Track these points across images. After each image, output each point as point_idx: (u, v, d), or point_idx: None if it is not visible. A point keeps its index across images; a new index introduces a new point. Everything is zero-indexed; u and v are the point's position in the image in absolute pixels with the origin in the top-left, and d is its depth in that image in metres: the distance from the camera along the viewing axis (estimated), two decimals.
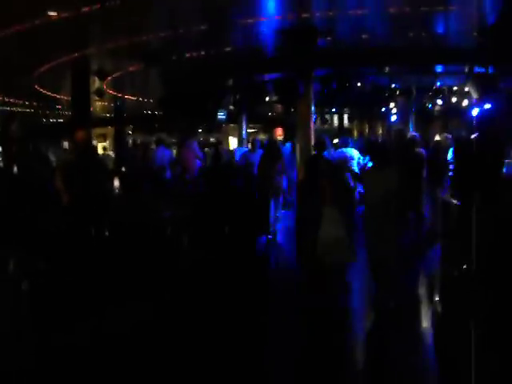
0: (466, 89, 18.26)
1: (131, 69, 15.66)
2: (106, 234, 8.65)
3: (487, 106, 14.87)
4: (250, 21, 10.42)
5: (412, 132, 13.73)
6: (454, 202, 8.29)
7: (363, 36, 12.19)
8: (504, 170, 10.33)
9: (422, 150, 12.51)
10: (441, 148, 11.47)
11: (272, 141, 13.68)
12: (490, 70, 14.47)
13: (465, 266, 7.06)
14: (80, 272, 7.77)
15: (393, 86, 19.07)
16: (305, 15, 10.00)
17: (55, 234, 8.62)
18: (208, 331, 6.53)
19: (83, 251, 8.19)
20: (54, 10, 8.88)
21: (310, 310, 7.25)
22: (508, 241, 7.35)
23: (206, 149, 20.06)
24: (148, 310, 7.02)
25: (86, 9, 8.55)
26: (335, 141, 18.96)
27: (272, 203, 11.48)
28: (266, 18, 10.43)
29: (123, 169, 18.82)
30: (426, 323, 7.35)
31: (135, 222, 8.97)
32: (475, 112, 18.69)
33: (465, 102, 20.12)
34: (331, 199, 7.57)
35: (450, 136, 11.88)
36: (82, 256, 8.10)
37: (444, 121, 26.93)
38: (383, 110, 24.20)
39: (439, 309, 7.58)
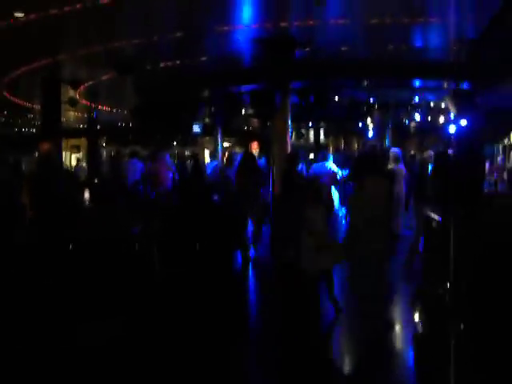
0: (443, 105, 18.23)
1: (105, 78, 15.26)
2: (71, 247, 8.24)
3: (464, 122, 14.79)
4: (225, 29, 10.06)
5: (393, 148, 13.53)
6: (436, 217, 8.06)
7: (342, 48, 11.94)
8: (484, 185, 10.20)
9: (400, 167, 12.35)
10: (426, 164, 11.27)
11: (247, 153, 13.32)
12: (467, 86, 14.41)
13: (448, 285, 6.84)
14: (45, 288, 7.41)
15: (370, 100, 18.93)
16: (283, 24, 9.67)
17: (19, 248, 8.26)
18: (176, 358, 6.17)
19: (48, 266, 7.82)
20: (21, 12, 8.48)
21: (286, 329, 6.93)
22: (489, 257, 7.16)
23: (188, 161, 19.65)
24: (115, 329, 6.64)
25: (54, 11, 8.18)
26: (311, 155, 18.71)
27: (249, 218, 11.08)
28: (242, 27, 10.08)
29: (96, 180, 18.44)
30: (406, 344, 7.06)
31: (105, 236, 8.60)
32: (452, 128, 18.71)
33: (442, 119, 20.10)
34: (313, 204, 7.37)
35: (432, 153, 11.67)
36: (47, 271, 7.73)
37: (420, 137, 26.96)
38: (360, 125, 24.12)
39: (420, 328, 7.31)
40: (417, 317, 7.70)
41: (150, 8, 9.11)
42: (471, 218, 7.75)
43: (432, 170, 10.47)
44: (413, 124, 23.85)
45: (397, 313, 8.02)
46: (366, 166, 8.16)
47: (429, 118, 20.53)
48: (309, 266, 7.16)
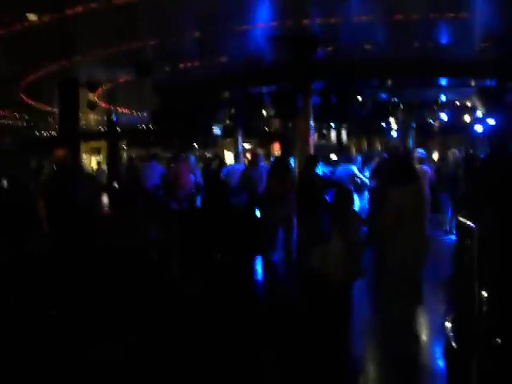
0: (469, 104, 17.76)
1: (123, 80, 15.05)
2: (88, 254, 7.94)
3: (491, 121, 14.36)
4: (246, 28, 9.72)
5: (418, 149, 13.12)
6: (468, 223, 7.63)
7: (366, 46, 11.56)
8: None
9: (424, 167, 11.90)
10: (460, 165, 10.84)
11: (280, 157, 12.74)
12: (496, 84, 13.97)
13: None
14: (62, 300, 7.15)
15: (393, 100, 18.50)
16: (304, 22, 9.29)
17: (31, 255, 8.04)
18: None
19: (63, 272, 7.57)
20: (35, 14, 8.23)
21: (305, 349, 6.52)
22: None
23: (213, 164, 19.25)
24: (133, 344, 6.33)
25: (68, 11, 7.92)
26: (333, 157, 18.30)
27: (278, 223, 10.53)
28: (262, 25, 9.71)
29: (116, 185, 18.23)
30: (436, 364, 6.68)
31: (123, 242, 8.33)
32: (478, 128, 18.25)
33: (467, 118, 19.63)
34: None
35: (458, 153, 11.26)
36: (62, 278, 7.48)
37: (444, 137, 26.43)
38: (383, 125, 23.70)
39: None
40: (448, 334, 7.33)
41: (169, 8, 8.85)
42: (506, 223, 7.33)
43: (464, 172, 10.12)
44: (437, 124, 23.39)
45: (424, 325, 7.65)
46: (391, 174, 7.68)
47: (453, 118, 20.06)
48: (336, 274, 6.75)
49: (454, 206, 10.97)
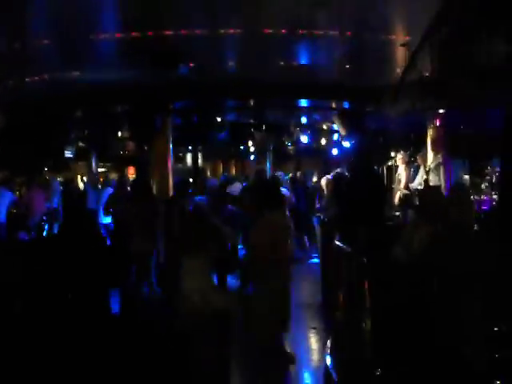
0: (330, 125, 17.98)
1: None
2: None
3: (351, 143, 14.57)
4: (98, 38, 8.75)
5: (278, 172, 13.03)
6: (343, 247, 7.35)
7: (230, 63, 11.03)
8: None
9: (283, 191, 11.69)
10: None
11: (141, 178, 11.86)
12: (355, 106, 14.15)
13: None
14: None
15: (253, 122, 18.33)
16: (166, 33, 8.53)
17: None
18: None
19: None
20: None
21: None
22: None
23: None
24: None
25: None
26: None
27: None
28: (118, 36, 8.79)
29: None
30: None
31: None
32: (335, 151, 18.58)
33: (326, 140, 19.96)
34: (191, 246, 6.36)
35: (330, 177, 11.16)
36: None
37: (299, 159, 26.85)
38: (241, 147, 23.60)
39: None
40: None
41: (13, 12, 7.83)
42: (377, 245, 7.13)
43: (330, 193, 10.04)
44: (292, 146, 23.66)
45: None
46: (258, 200, 7.32)
47: (313, 140, 20.32)
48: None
49: (321, 228, 10.90)
